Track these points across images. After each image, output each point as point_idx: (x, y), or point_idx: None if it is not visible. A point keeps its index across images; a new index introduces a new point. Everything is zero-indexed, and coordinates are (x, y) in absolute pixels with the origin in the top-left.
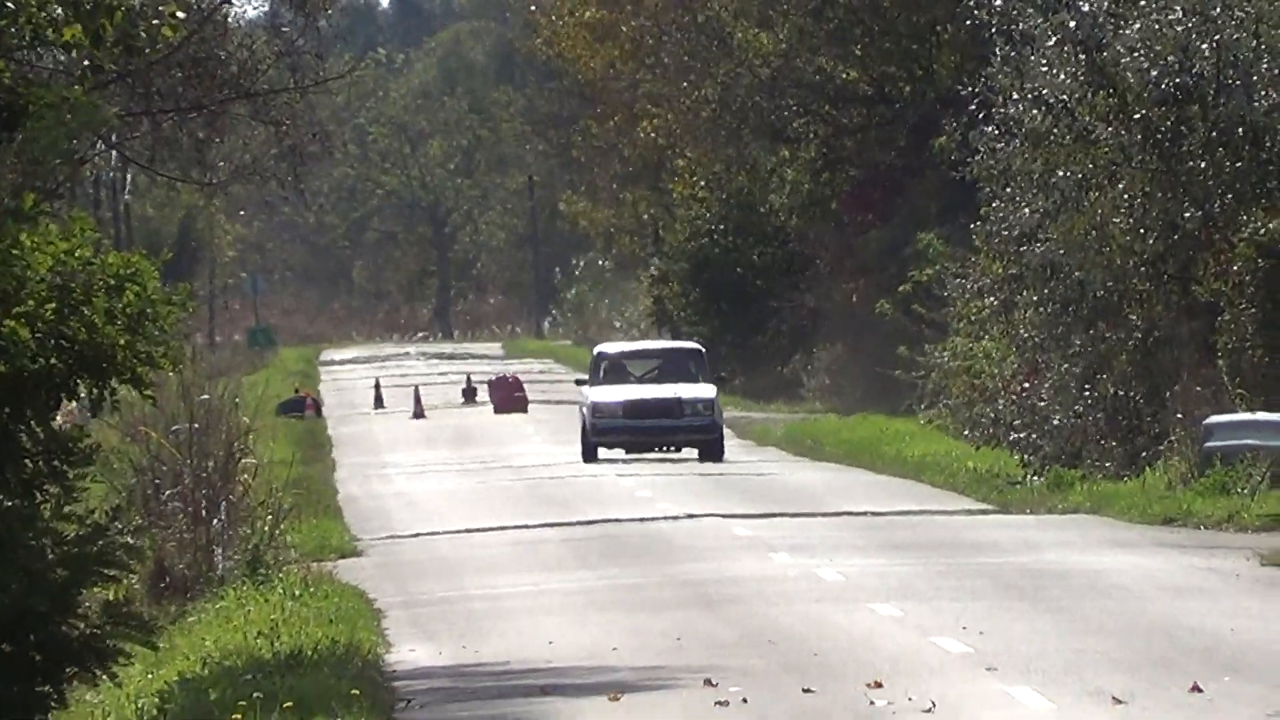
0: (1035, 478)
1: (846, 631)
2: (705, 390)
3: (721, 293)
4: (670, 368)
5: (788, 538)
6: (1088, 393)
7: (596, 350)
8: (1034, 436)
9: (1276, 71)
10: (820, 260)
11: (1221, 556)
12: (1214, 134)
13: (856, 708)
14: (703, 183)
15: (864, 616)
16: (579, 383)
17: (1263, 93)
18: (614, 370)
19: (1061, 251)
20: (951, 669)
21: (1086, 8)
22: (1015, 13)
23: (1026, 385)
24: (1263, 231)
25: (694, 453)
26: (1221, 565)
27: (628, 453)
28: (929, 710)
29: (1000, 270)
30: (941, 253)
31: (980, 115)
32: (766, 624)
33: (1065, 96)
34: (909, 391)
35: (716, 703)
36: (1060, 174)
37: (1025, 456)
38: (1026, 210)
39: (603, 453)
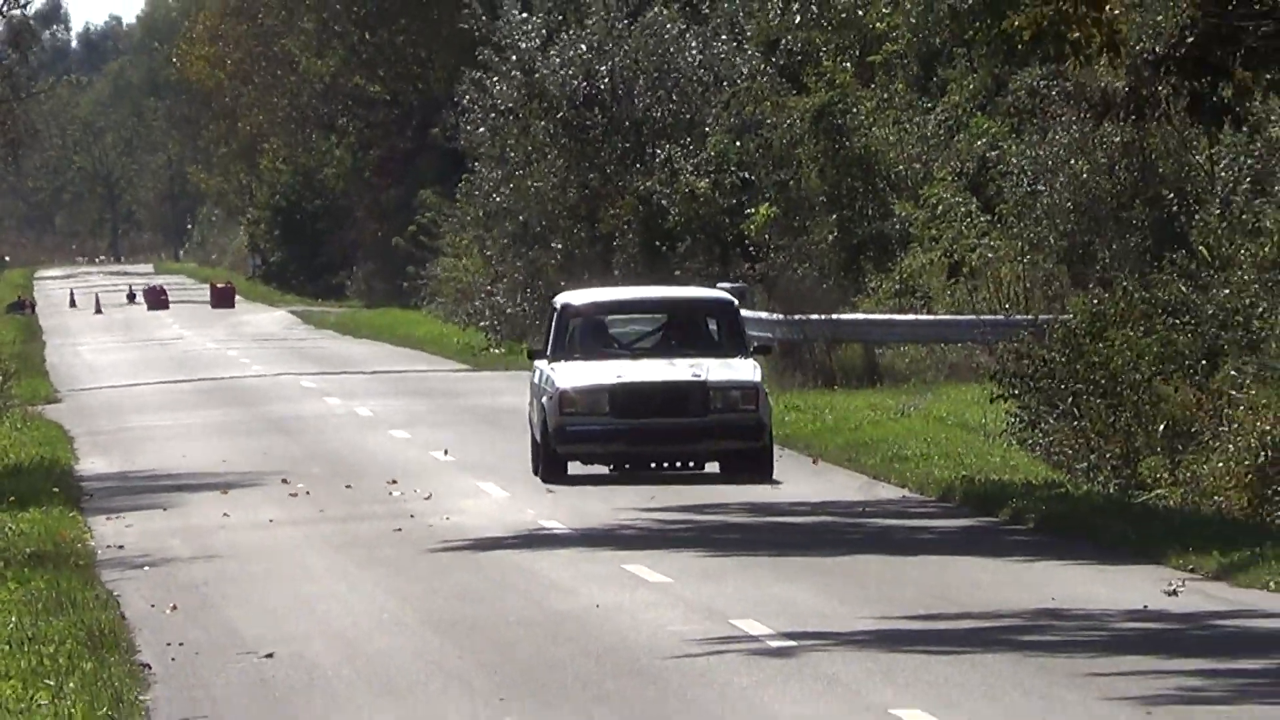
0: (497, 349)
1: (375, 448)
2: (743, 369)
3: (294, 231)
4: (681, 329)
5: (338, 388)
6: (529, 293)
7: (560, 302)
8: (496, 322)
9: (650, 85)
10: (358, 210)
11: None
12: (610, 124)
13: (380, 497)
14: (282, 160)
15: (386, 438)
16: (532, 355)
17: (639, 99)
18: (590, 334)
19: (513, 201)
20: (443, 472)
21: (524, 45)
22: (479, 54)
23: (491, 288)
24: (641, 188)
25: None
26: None
27: (615, 468)
28: (428, 498)
29: (476, 213)
30: (436, 203)
31: (463, 113)
32: (322, 444)
33: (512, 104)
34: (417, 293)
35: (290, 494)
36: (510, 153)
37: (490, 335)
38: (496, 174)
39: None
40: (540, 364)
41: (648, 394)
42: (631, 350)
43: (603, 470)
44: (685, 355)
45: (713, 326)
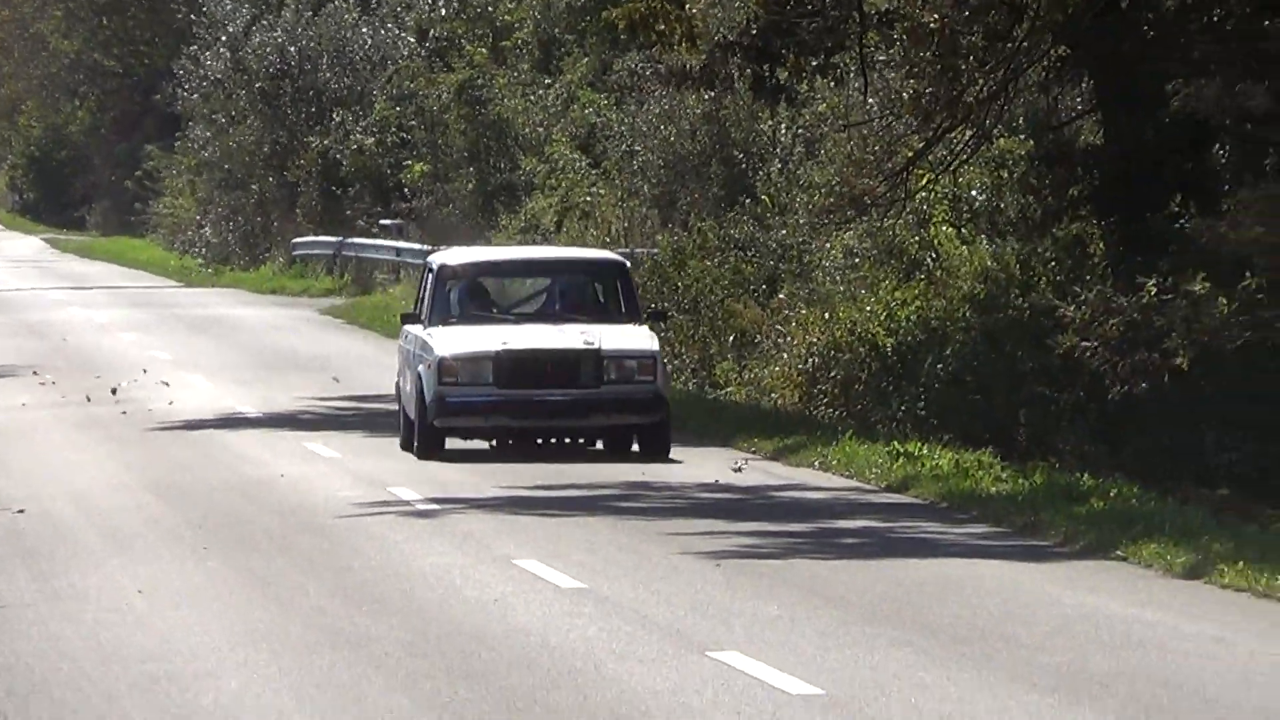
0: (207, 270)
1: (108, 348)
2: (639, 337)
3: (45, 175)
4: (570, 293)
5: (79, 300)
6: (231, 226)
7: (436, 262)
8: (205, 249)
9: (330, 63)
10: (96, 159)
11: (299, 309)
12: (297, 93)
13: (112, 386)
14: (35, 119)
15: (117, 340)
16: (406, 320)
17: (321, 74)
18: (470, 297)
19: (219, 154)
20: (162, 367)
21: (231, 28)
22: (194, 34)
23: (200, 222)
24: (321, 145)
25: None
26: (300, 314)
27: (495, 443)
28: (145, 386)
29: (190, 163)
30: (158, 154)
31: (180, 83)
32: (66, 345)
33: (220, 76)
34: (143, 226)
35: (40, 384)
36: (218, 115)
37: (200, 259)
38: (206, 132)
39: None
40: (414, 329)
41: (536, 362)
42: (515, 315)
43: (483, 446)
44: (574, 321)
45: (601, 290)
